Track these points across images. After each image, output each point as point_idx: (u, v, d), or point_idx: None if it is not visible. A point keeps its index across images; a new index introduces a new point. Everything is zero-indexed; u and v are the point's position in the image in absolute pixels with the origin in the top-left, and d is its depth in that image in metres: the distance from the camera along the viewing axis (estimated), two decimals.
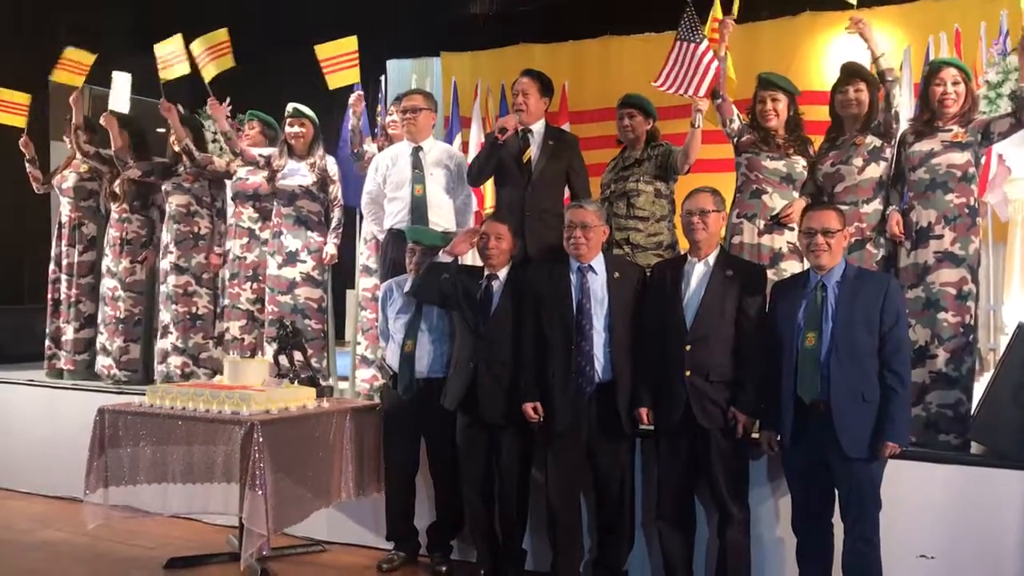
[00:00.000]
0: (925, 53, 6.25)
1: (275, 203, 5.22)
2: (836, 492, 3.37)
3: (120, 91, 5.64)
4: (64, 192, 6.04)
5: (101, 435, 4.09)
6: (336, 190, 5.22)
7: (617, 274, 3.79)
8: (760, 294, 3.58)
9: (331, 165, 5.22)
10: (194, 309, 5.55)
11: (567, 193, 4.48)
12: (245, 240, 5.40)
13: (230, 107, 7.11)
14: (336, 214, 5.23)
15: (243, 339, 5.37)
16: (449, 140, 7.48)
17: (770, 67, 4.80)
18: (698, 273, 3.63)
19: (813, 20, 7.57)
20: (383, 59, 8.43)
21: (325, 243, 5.18)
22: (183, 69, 5.21)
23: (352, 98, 5.22)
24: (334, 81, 5.00)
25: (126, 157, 5.62)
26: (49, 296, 6.05)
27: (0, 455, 5.72)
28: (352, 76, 5.02)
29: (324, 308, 5.25)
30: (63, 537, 4.71)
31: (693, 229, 3.64)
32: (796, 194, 4.16)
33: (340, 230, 5.22)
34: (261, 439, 3.75)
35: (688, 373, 3.53)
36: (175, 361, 5.51)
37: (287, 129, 5.16)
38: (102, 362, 5.77)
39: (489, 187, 6.16)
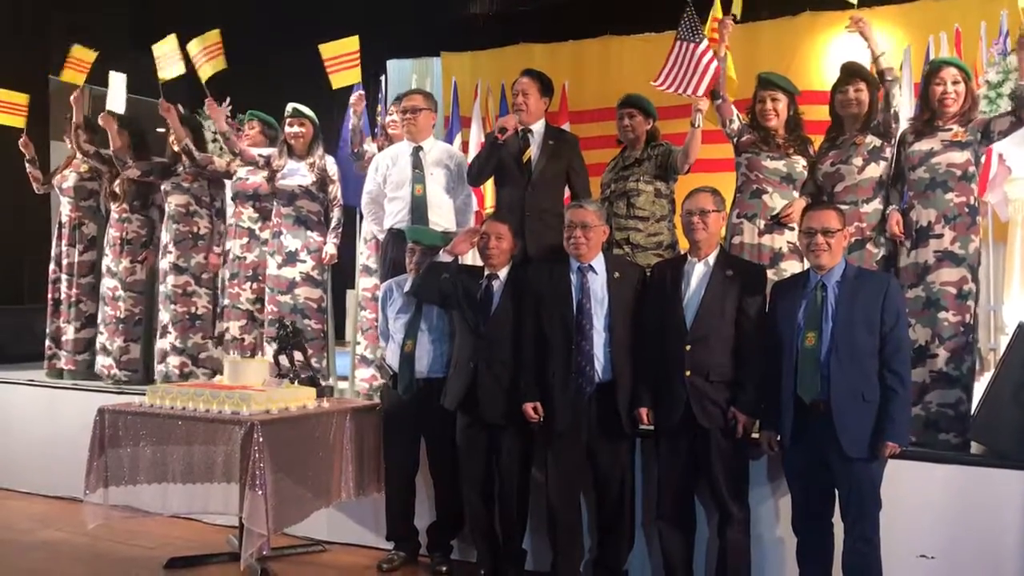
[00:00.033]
0: (925, 53, 6.25)
1: (275, 203, 5.22)
2: (836, 492, 3.37)
3: (116, 91, 5.64)
4: (64, 192, 6.04)
5: (101, 435, 4.09)
6: (336, 190, 5.22)
7: (617, 274, 3.79)
8: (760, 294, 3.58)
9: (331, 165, 5.22)
10: (193, 309, 5.55)
11: (567, 193, 4.48)
12: (245, 240, 5.40)
13: (230, 107, 7.13)
14: (336, 214, 5.23)
15: (243, 339, 5.37)
16: (449, 140, 7.48)
17: (770, 67, 4.80)
18: (698, 273, 3.63)
19: (813, 20, 7.58)
20: (383, 59, 8.44)
21: (325, 243, 5.18)
22: (179, 69, 5.21)
23: (353, 98, 5.22)
24: (337, 81, 5.02)
25: (125, 157, 5.62)
26: (49, 296, 6.05)
27: (0, 455, 5.72)
28: (354, 76, 5.03)
29: (324, 308, 5.25)
30: (63, 537, 4.71)
31: (693, 229, 3.64)
32: (796, 194, 4.16)
33: (340, 230, 5.22)
34: (261, 439, 3.75)
35: (688, 373, 3.53)
36: (173, 361, 5.51)
37: (287, 129, 5.16)
38: (102, 362, 5.77)
39: (489, 187, 6.17)
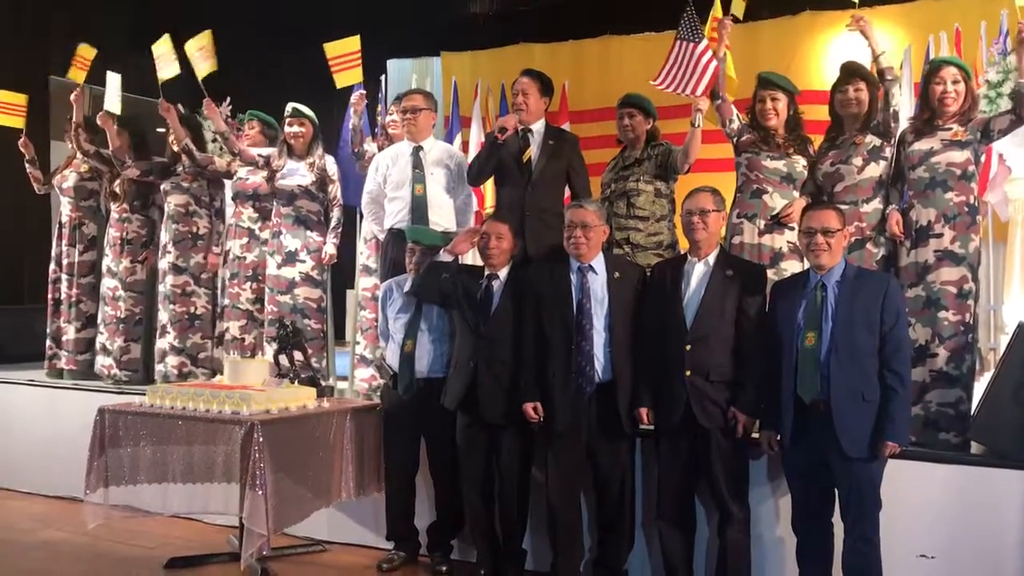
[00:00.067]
0: (925, 52, 6.25)
1: (274, 203, 5.22)
2: (836, 492, 3.37)
3: (112, 92, 5.63)
4: (64, 192, 6.04)
5: (101, 435, 4.09)
6: (335, 190, 5.22)
7: (617, 274, 3.79)
8: (760, 294, 3.58)
9: (330, 165, 5.22)
10: (192, 309, 5.55)
11: (567, 193, 4.48)
12: (245, 240, 5.40)
13: (230, 107, 7.13)
14: (335, 214, 5.23)
15: (243, 339, 5.37)
16: (449, 140, 7.48)
17: (770, 66, 4.80)
18: (698, 273, 3.63)
19: (813, 19, 7.58)
20: (383, 59, 8.44)
21: (324, 243, 5.18)
22: (174, 69, 5.21)
23: (354, 97, 5.22)
24: (340, 80, 5.03)
25: (124, 156, 5.62)
26: (49, 296, 6.05)
27: (1, 455, 5.72)
28: (355, 76, 5.05)
29: (323, 308, 5.25)
30: (63, 537, 4.71)
31: (693, 229, 3.64)
32: (796, 194, 4.16)
33: (339, 230, 5.22)
34: (261, 439, 3.75)
35: (688, 373, 3.53)
36: (172, 361, 5.51)
37: (286, 129, 5.16)
38: (102, 362, 5.77)
39: (489, 187, 6.16)
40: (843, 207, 3.75)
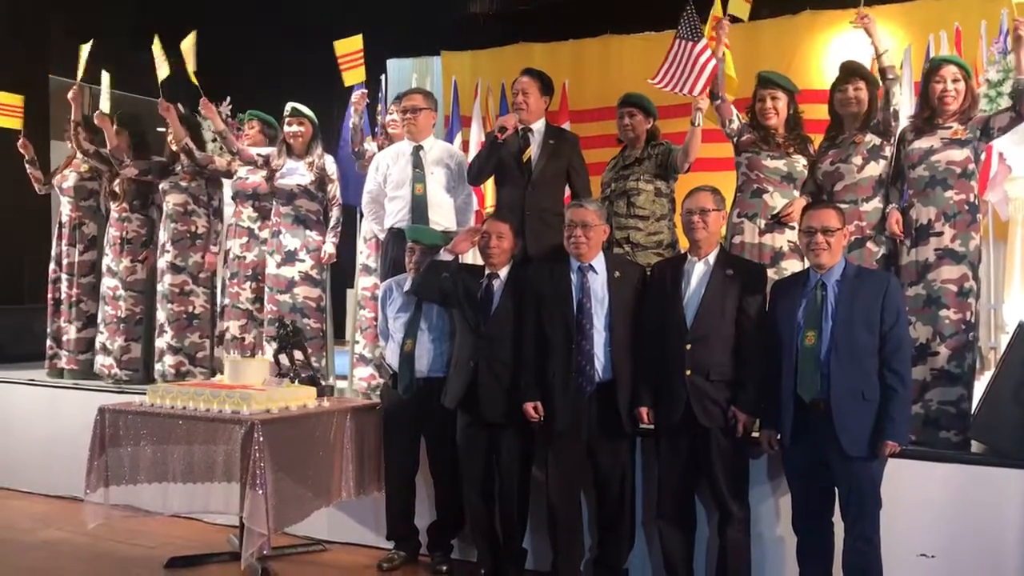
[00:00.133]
0: (926, 51, 6.25)
1: (274, 202, 5.22)
2: (836, 491, 3.37)
3: (103, 90, 5.60)
4: (64, 192, 6.04)
5: (102, 434, 4.09)
6: (334, 189, 5.22)
7: (617, 273, 3.79)
8: (760, 293, 3.58)
9: (329, 164, 5.22)
10: (190, 308, 5.55)
11: (567, 192, 4.47)
12: (245, 239, 5.40)
13: (230, 107, 7.13)
14: (335, 213, 5.22)
15: (243, 338, 5.37)
16: (449, 139, 7.48)
17: (770, 65, 4.80)
18: (698, 272, 3.63)
19: (813, 19, 7.58)
20: (383, 58, 8.44)
21: (324, 242, 5.18)
22: (166, 71, 5.23)
23: (355, 96, 5.22)
24: (348, 78, 5.05)
25: (122, 156, 5.62)
26: (49, 296, 6.04)
27: (1, 455, 5.72)
28: (359, 75, 5.08)
29: (323, 307, 5.25)
30: (64, 536, 4.71)
31: (693, 228, 3.63)
32: (797, 193, 4.16)
33: (339, 229, 5.22)
34: (261, 438, 3.75)
35: (688, 372, 3.53)
36: (169, 360, 5.51)
37: (286, 128, 5.16)
38: (102, 361, 5.77)
39: (489, 186, 6.16)
40: (843, 206, 3.75)
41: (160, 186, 5.65)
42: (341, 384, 5.45)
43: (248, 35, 8.54)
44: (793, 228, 3.97)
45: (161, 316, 5.57)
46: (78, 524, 4.42)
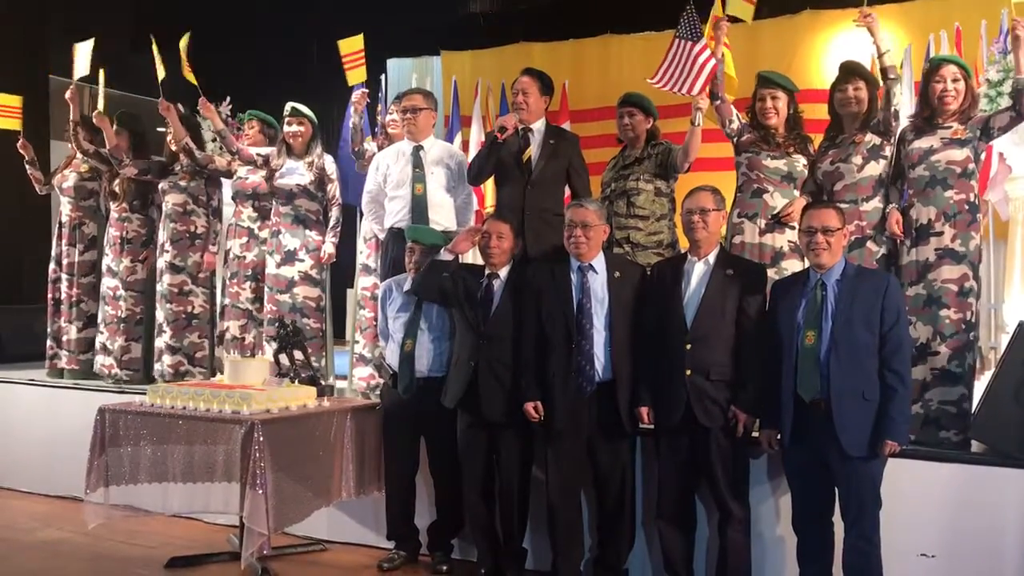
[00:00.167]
0: (926, 51, 6.25)
1: (273, 202, 5.22)
2: (836, 491, 3.36)
3: (99, 89, 5.58)
4: (64, 192, 6.04)
5: (102, 434, 4.09)
6: (334, 189, 5.21)
7: (617, 273, 3.79)
8: (760, 293, 3.58)
9: (329, 164, 5.22)
10: (189, 308, 5.55)
11: (567, 192, 4.47)
12: (244, 239, 5.40)
13: (230, 107, 7.13)
14: (334, 213, 5.22)
15: (243, 338, 5.37)
16: (449, 139, 7.49)
17: (770, 65, 4.80)
18: (698, 272, 3.63)
19: (813, 18, 7.59)
20: (383, 58, 8.44)
21: (323, 242, 5.18)
22: (163, 71, 5.23)
23: (355, 95, 5.23)
24: (351, 78, 5.06)
25: (121, 155, 5.62)
26: (50, 296, 6.04)
27: (1, 454, 5.73)
28: (360, 75, 5.11)
29: (322, 307, 5.25)
30: (64, 536, 4.71)
31: (693, 228, 3.63)
32: (797, 193, 4.16)
33: (338, 229, 5.21)
34: (261, 438, 3.75)
35: (688, 372, 3.53)
36: (167, 360, 5.51)
37: (285, 128, 5.16)
38: (102, 361, 5.77)
39: (489, 186, 6.17)
40: (843, 206, 3.75)
41: (159, 186, 5.65)
42: (341, 384, 5.45)
43: (248, 35, 8.54)
44: (793, 228, 3.97)
45: (160, 316, 5.57)
46: (78, 524, 4.42)
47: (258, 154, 5.28)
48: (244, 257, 5.39)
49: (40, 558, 4.42)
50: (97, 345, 5.83)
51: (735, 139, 4.30)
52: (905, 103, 4.85)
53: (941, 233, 3.83)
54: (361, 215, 5.30)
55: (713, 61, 4.15)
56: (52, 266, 6.04)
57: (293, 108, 5.15)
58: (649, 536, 3.94)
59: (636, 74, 5.98)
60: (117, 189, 5.79)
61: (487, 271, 4.01)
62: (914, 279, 3.88)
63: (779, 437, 3.47)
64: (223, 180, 5.70)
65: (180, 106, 5.57)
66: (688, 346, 3.54)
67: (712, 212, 3.62)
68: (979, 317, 4.02)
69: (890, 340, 3.28)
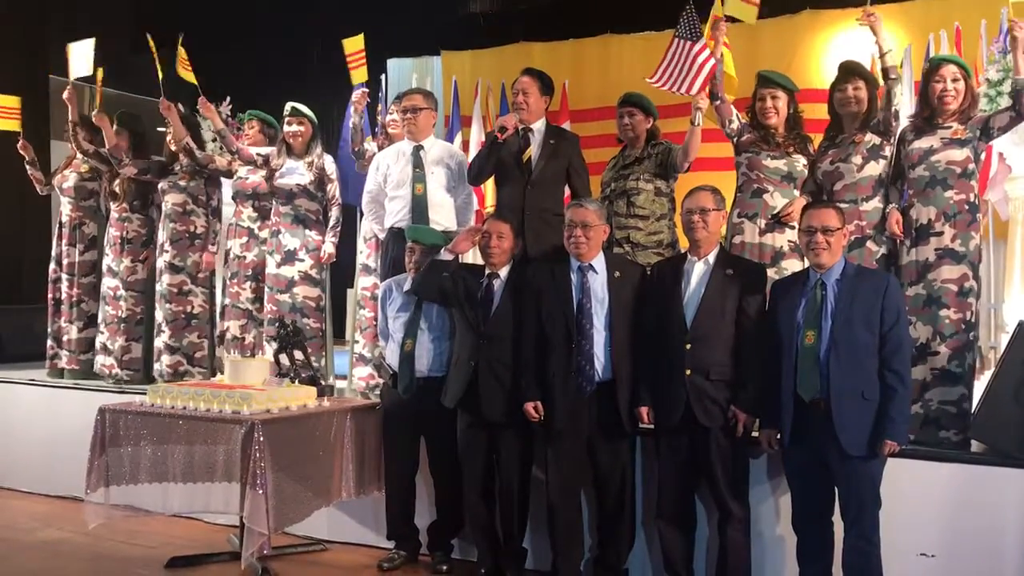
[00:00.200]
0: (926, 50, 6.25)
1: (273, 202, 5.22)
2: (836, 490, 3.37)
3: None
4: (65, 192, 6.04)
5: (102, 434, 4.10)
6: (334, 189, 5.21)
7: (617, 273, 3.79)
8: (760, 293, 3.59)
9: (329, 164, 5.22)
10: (189, 308, 5.55)
11: (567, 192, 4.47)
12: (245, 239, 5.40)
13: (230, 107, 7.13)
14: (334, 213, 5.22)
15: (243, 338, 5.37)
16: (450, 139, 7.48)
17: (770, 65, 4.79)
18: (698, 272, 3.63)
19: (813, 18, 7.58)
20: (383, 58, 8.44)
21: (323, 242, 5.18)
22: (159, 71, 5.24)
23: (355, 95, 5.22)
24: (356, 77, 5.08)
25: (121, 155, 5.62)
26: (50, 296, 6.05)
27: (1, 454, 5.73)
28: (362, 74, 5.12)
29: (322, 307, 5.25)
30: (64, 536, 4.71)
31: (693, 228, 3.64)
32: (797, 192, 4.16)
33: (338, 229, 5.21)
34: (262, 438, 3.75)
35: (688, 372, 3.53)
36: (166, 360, 5.51)
37: (285, 128, 5.16)
38: (103, 361, 5.77)
39: (489, 186, 6.17)
40: (843, 206, 3.76)
41: (159, 186, 5.65)
42: (340, 384, 5.45)
43: (248, 35, 8.54)
44: (793, 228, 3.97)
45: (159, 316, 5.57)
46: (78, 524, 4.43)
47: (258, 154, 5.28)
48: (244, 257, 5.39)
49: (40, 558, 4.42)
50: (97, 345, 5.83)
51: (735, 139, 4.30)
52: (905, 103, 4.85)
53: (941, 233, 3.84)
54: (361, 215, 5.30)
55: (712, 61, 4.15)
56: (52, 266, 6.05)
57: (293, 108, 5.15)
58: (649, 536, 3.94)
59: (636, 74, 5.96)
60: (117, 189, 5.79)
61: (487, 271, 4.01)
62: (914, 279, 3.88)
63: (779, 437, 3.48)
64: (223, 180, 5.70)
65: (180, 106, 5.58)
66: (688, 346, 3.54)
67: (712, 212, 3.62)
68: (979, 317, 4.02)
69: (890, 340, 3.28)
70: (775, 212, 4.12)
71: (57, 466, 5.32)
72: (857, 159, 4.00)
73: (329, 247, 5.17)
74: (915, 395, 3.70)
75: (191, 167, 5.53)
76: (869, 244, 3.96)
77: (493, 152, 4.35)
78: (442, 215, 4.65)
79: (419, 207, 4.60)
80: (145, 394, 4.29)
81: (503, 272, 3.99)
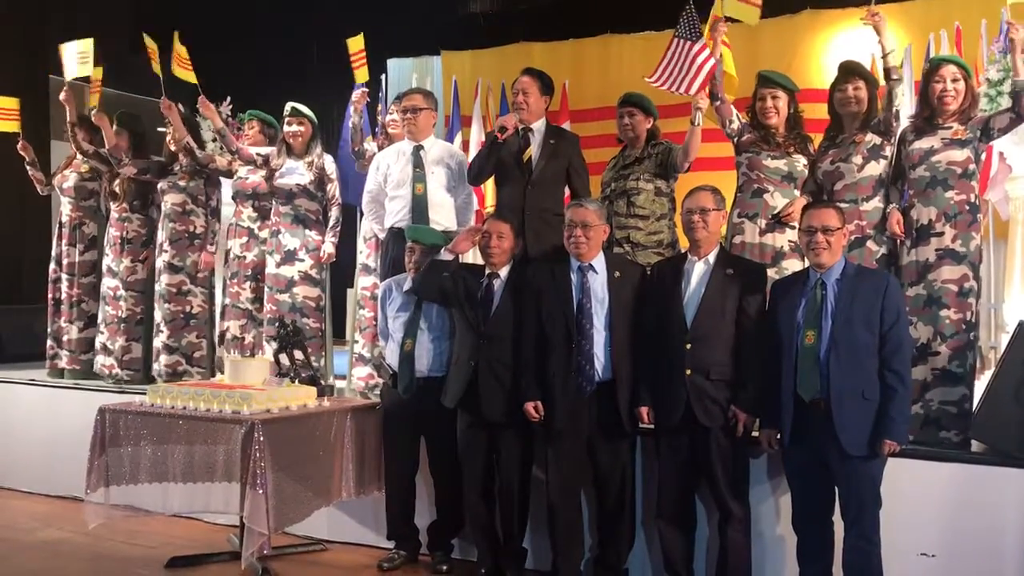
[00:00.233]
0: (926, 50, 6.25)
1: (273, 202, 5.23)
2: (836, 490, 3.37)
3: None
4: (65, 192, 6.04)
5: (102, 434, 4.10)
6: (334, 189, 5.21)
7: (617, 273, 3.79)
8: (760, 292, 3.59)
9: (329, 164, 5.22)
10: (188, 308, 5.55)
11: (567, 192, 4.47)
12: (244, 239, 5.40)
13: (230, 107, 7.13)
14: (334, 213, 5.22)
15: (243, 338, 5.37)
16: (450, 139, 7.49)
17: (770, 65, 4.79)
18: (698, 272, 3.63)
19: (814, 18, 7.59)
20: (383, 58, 8.44)
21: (323, 242, 5.18)
22: (157, 70, 5.24)
23: (356, 95, 5.23)
24: (358, 76, 5.11)
25: (121, 155, 5.62)
26: (50, 296, 6.05)
27: (1, 454, 5.73)
28: (363, 74, 5.14)
29: (322, 307, 5.25)
30: (64, 536, 4.71)
31: (693, 228, 3.64)
32: (798, 192, 4.16)
33: (338, 229, 5.21)
34: (262, 438, 3.75)
35: (688, 372, 3.53)
36: (164, 360, 5.51)
37: (285, 128, 5.16)
38: (103, 361, 5.77)
39: (489, 186, 6.17)
40: (843, 205, 3.76)
41: (159, 186, 5.65)
42: (340, 384, 5.45)
43: (248, 35, 8.54)
44: (794, 228, 3.97)
45: (158, 316, 5.57)
46: (78, 524, 4.43)
47: (258, 154, 5.28)
48: (244, 257, 5.39)
49: (40, 558, 4.42)
50: (97, 345, 5.83)
51: (735, 139, 4.30)
52: (905, 103, 4.84)
53: (941, 233, 3.84)
54: (361, 215, 5.30)
55: (712, 61, 4.15)
56: (52, 266, 6.05)
57: (293, 108, 5.15)
58: (649, 536, 3.94)
59: (636, 74, 5.95)
60: (117, 189, 5.79)
61: (487, 271, 4.01)
62: (914, 279, 3.88)
63: (779, 437, 3.47)
64: (223, 180, 5.70)
65: (180, 106, 5.57)
66: (688, 346, 3.54)
67: (712, 212, 3.62)
68: (979, 317, 4.02)
69: (890, 340, 3.28)
70: (775, 212, 4.12)
71: (57, 466, 5.32)
72: (857, 159, 4.00)
73: (329, 247, 5.17)
74: (916, 395, 3.70)
75: (191, 167, 5.53)
76: (869, 244, 3.96)
77: (493, 152, 4.35)
78: (442, 215, 4.65)
79: (419, 207, 4.60)
80: (145, 394, 4.29)
81: (503, 272, 3.99)
